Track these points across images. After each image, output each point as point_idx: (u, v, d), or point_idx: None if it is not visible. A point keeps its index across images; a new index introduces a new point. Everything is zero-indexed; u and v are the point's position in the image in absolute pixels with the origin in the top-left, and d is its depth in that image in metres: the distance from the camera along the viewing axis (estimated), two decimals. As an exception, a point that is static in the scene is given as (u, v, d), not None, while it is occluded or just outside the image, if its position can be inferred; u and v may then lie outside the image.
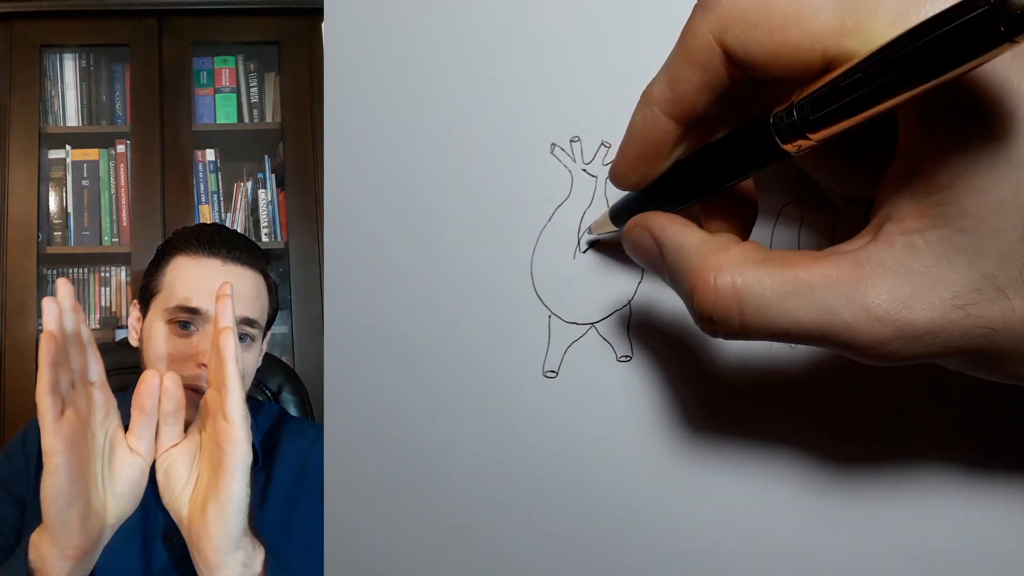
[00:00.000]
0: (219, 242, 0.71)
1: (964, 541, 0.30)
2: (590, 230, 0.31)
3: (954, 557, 0.30)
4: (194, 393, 0.68)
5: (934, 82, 0.18)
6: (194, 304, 0.68)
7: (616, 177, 0.26)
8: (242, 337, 0.71)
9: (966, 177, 0.20)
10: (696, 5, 0.23)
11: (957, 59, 0.17)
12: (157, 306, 0.70)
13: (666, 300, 0.31)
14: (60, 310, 0.44)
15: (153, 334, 0.69)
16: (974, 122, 0.20)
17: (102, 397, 0.48)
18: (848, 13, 0.20)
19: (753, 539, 0.31)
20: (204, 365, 0.66)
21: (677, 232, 0.25)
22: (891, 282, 0.22)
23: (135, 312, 0.74)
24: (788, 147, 0.22)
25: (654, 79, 0.25)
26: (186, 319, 0.68)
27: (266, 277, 0.75)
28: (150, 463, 0.49)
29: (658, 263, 0.25)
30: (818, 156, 0.27)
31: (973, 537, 0.30)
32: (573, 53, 0.31)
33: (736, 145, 0.24)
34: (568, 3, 0.31)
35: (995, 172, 0.20)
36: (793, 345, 0.31)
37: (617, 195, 0.31)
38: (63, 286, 0.46)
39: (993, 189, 0.20)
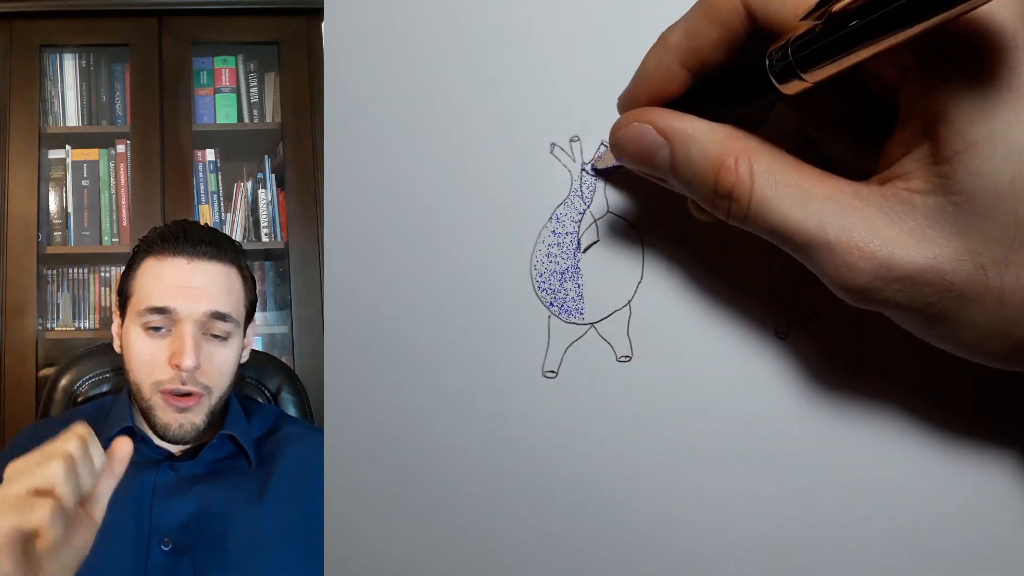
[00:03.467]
0: (183, 239, 0.71)
1: (966, 540, 0.30)
2: (594, 166, 0.31)
3: (953, 557, 0.30)
4: (170, 396, 0.69)
5: (923, 25, 0.19)
6: (161, 304, 0.68)
7: (621, 111, 0.28)
8: (215, 334, 0.71)
9: (964, 157, 0.21)
10: None
11: (943, 3, 0.19)
12: (131, 310, 0.71)
13: (666, 300, 0.31)
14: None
15: (130, 339, 0.70)
16: (979, 108, 0.21)
17: (89, 523, 0.45)
18: None
19: (753, 540, 0.31)
20: (178, 367, 0.67)
21: (686, 122, 0.25)
22: (881, 223, 0.22)
23: (116, 319, 0.75)
24: (785, 88, 0.23)
25: (673, 26, 0.26)
26: (157, 322, 0.69)
27: (240, 268, 0.74)
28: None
29: (659, 155, 0.26)
30: (831, 132, 0.27)
31: (974, 537, 0.30)
32: (573, 53, 0.31)
33: (735, 84, 0.25)
34: (567, 3, 0.31)
35: (994, 157, 0.21)
36: (786, 335, 0.31)
37: (618, 196, 0.31)
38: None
39: (990, 173, 0.21)
